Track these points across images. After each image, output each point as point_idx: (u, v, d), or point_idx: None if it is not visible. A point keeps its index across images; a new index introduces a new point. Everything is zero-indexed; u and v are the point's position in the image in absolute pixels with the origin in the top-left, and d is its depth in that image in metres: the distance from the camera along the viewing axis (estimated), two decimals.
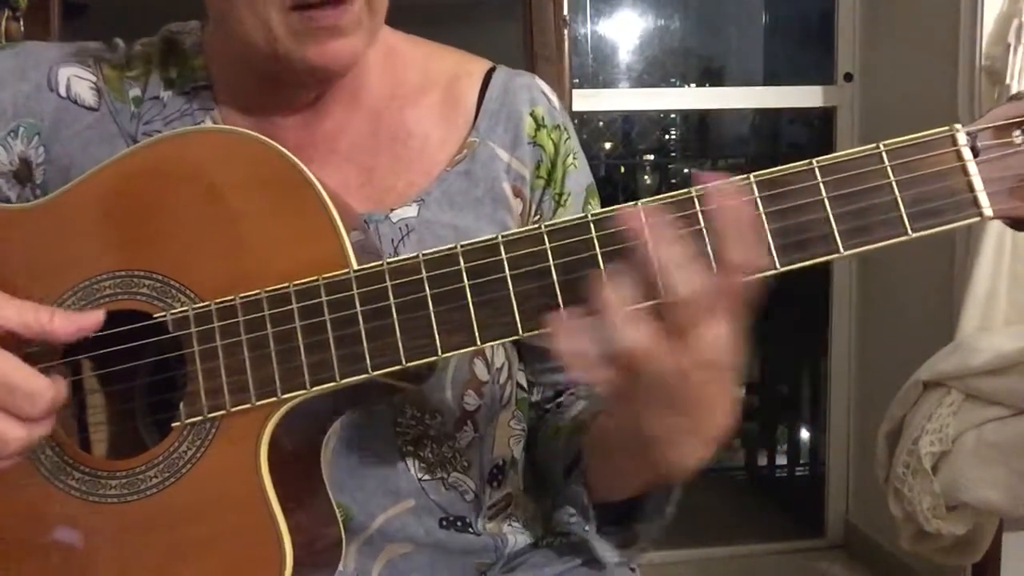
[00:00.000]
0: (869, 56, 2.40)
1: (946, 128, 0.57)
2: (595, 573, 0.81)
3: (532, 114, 0.81)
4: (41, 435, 0.61)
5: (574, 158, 0.83)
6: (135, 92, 0.78)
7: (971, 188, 0.57)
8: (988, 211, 0.57)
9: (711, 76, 3.03)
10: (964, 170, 0.57)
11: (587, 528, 0.74)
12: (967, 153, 0.57)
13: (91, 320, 0.62)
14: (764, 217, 0.57)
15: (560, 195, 0.81)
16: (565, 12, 1.25)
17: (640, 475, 0.68)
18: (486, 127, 0.80)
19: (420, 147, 0.78)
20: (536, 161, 0.80)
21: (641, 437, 0.60)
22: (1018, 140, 0.58)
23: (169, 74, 0.79)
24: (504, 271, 0.59)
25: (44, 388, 0.59)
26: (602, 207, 0.84)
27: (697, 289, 0.52)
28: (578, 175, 0.83)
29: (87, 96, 0.78)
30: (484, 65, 0.83)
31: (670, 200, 0.58)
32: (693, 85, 2.98)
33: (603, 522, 0.75)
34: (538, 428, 0.84)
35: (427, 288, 0.60)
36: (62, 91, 0.77)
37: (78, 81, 0.78)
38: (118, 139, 0.76)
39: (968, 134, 0.57)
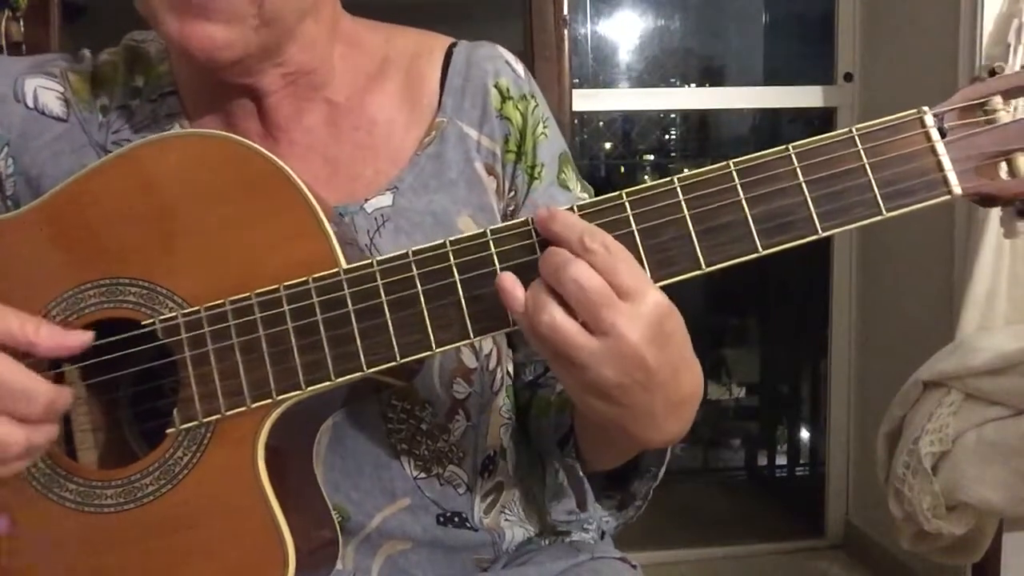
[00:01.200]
0: (869, 56, 2.40)
1: (914, 111, 0.60)
2: (599, 571, 0.81)
3: (497, 86, 0.79)
4: (44, 440, 0.60)
5: (544, 127, 0.81)
6: (102, 101, 0.78)
7: (940, 168, 0.59)
8: (957, 189, 0.59)
9: (711, 76, 3.03)
10: (933, 151, 0.59)
11: (584, 516, 0.74)
12: (935, 134, 0.59)
13: (77, 340, 0.62)
14: (744, 202, 0.59)
15: (532, 167, 0.80)
16: (565, 12, 1.25)
17: (625, 444, 0.68)
18: (452, 105, 0.78)
19: (386, 134, 0.77)
20: (504, 135, 0.79)
21: (610, 420, 0.60)
22: (982, 120, 0.60)
23: (135, 82, 0.79)
24: (494, 265, 0.60)
25: (40, 388, 0.58)
26: (583, 188, 0.84)
27: (587, 286, 0.55)
28: (549, 144, 0.81)
29: (55, 107, 0.77)
30: (445, 41, 0.82)
31: (651, 190, 0.60)
32: (693, 85, 2.98)
33: (602, 488, 0.76)
34: (531, 404, 0.83)
35: (419, 285, 0.61)
36: (29, 102, 0.77)
37: (45, 92, 0.77)
38: (88, 149, 0.76)
39: (935, 115, 0.59)
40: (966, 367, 1.62)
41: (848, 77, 2.44)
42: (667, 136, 3.16)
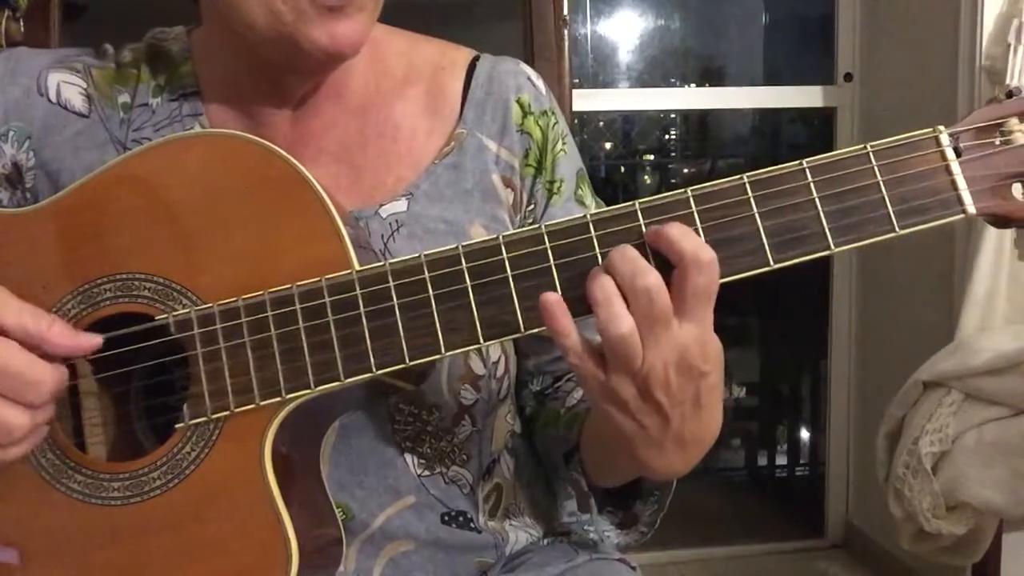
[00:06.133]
0: (869, 56, 2.40)
1: (930, 130, 0.60)
2: (597, 572, 0.81)
3: (519, 101, 0.80)
4: (44, 421, 0.62)
5: (563, 143, 0.82)
6: (124, 99, 0.79)
7: (955, 187, 0.59)
8: (971, 208, 0.59)
9: (711, 76, 3.03)
10: (948, 170, 0.59)
11: (586, 517, 0.75)
12: (950, 153, 0.59)
13: (89, 343, 0.63)
14: (757, 216, 0.59)
15: (552, 183, 0.81)
16: (565, 12, 1.24)
17: (626, 468, 0.69)
18: (473, 117, 0.79)
19: (408, 140, 0.78)
20: (525, 149, 0.80)
21: (619, 437, 0.61)
22: (998, 141, 0.60)
23: (157, 80, 0.79)
24: (506, 271, 0.60)
25: (47, 375, 0.60)
26: (597, 205, 0.84)
27: (652, 295, 0.56)
28: (568, 160, 0.82)
29: (77, 102, 0.78)
30: (468, 54, 0.83)
31: (664, 201, 0.59)
32: (693, 85, 2.98)
33: (604, 504, 0.76)
34: (538, 415, 0.84)
35: (430, 288, 0.61)
36: (52, 96, 0.77)
37: (68, 87, 0.78)
38: (108, 146, 0.77)
39: (951, 135, 0.60)
40: (966, 367, 1.63)
41: (848, 77, 2.44)
42: (667, 136, 3.15)
